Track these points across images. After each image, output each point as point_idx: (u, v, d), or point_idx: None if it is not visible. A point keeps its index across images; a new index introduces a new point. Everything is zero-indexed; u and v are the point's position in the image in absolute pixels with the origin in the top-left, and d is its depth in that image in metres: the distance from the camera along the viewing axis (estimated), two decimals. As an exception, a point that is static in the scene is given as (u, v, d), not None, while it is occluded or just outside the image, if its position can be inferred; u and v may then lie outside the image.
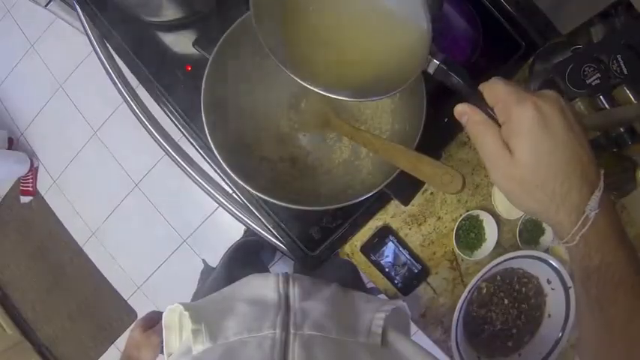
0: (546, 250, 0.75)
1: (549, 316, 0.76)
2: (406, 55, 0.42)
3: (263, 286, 0.59)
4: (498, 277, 0.75)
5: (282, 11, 0.44)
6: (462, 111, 0.39)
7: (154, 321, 0.67)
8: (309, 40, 0.44)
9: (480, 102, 0.38)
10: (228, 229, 1.80)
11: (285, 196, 0.55)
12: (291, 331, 0.47)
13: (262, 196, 0.55)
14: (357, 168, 0.63)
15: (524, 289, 0.75)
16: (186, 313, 0.50)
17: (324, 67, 0.43)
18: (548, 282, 0.75)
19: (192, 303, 0.57)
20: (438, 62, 0.41)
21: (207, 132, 0.57)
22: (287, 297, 0.56)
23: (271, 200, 0.56)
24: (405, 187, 0.56)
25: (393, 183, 0.54)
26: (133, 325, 0.67)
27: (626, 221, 0.82)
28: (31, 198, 2.00)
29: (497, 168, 0.36)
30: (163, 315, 0.56)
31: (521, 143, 0.35)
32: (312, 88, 0.40)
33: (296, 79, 0.40)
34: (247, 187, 0.56)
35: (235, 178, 0.55)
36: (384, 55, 0.43)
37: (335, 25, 0.44)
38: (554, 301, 0.75)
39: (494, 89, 0.37)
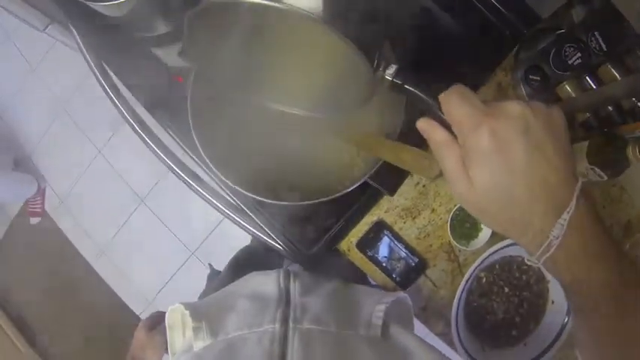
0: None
1: (553, 302, 0.75)
2: (351, 73, 0.42)
3: (264, 282, 0.59)
4: (497, 266, 0.74)
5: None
6: (422, 129, 0.37)
7: (158, 321, 0.67)
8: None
9: (439, 116, 0.36)
10: (236, 239, 1.79)
11: (272, 193, 0.56)
12: (291, 325, 0.47)
13: (250, 194, 0.56)
14: (342, 161, 0.64)
15: (524, 276, 0.74)
16: (187, 312, 0.50)
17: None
18: (549, 268, 0.74)
19: (193, 302, 0.57)
20: (390, 78, 0.39)
21: (192, 130, 0.58)
22: (288, 292, 0.56)
23: (259, 198, 0.57)
24: (390, 177, 0.56)
25: (379, 174, 0.54)
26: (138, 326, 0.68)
27: (627, 203, 0.81)
28: (39, 219, 2.04)
29: (456, 190, 0.34)
30: (166, 315, 0.57)
31: (477, 173, 0.32)
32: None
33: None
34: (234, 186, 0.57)
35: (221, 176, 0.57)
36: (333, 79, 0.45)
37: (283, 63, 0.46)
38: (557, 287, 0.74)
39: (450, 108, 0.34)
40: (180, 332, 0.57)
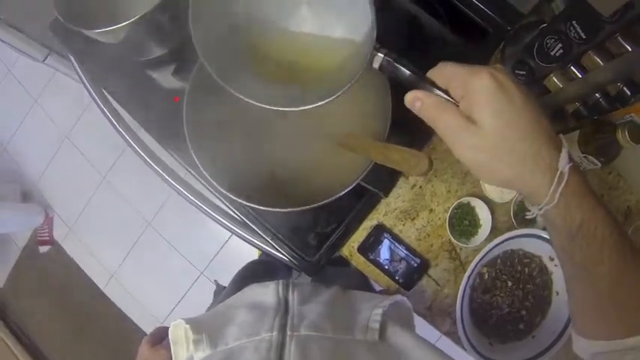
0: (544, 228, 0.74)
1: (557, 293, 0.75)
2: (353, 56, 0.44)
3: (263, 293, 0.60)
4: (498, 261, 0.74)
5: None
6: (414, 98, 0.38)
7: (161, 336, 0.68)
8: (256, 58, 0.47)
9: (430, 89, 0.38)
10: (243, 256, 1.80)
11: (271, 202, 0.57)
12: (288, 332, 0.47)
13: (249, 204, 0.58)
14: (337, 166, 0.65)
15: (527, 269, 0.74)
16: (188, 326, 0.51)
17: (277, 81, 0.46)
18: (551, 259, 0.74)
19: (194, 317, 0.58)
20: (382, 55, 0.40)
21: (190, 148, 0.60)
22: (286, 301, 0.57)
23: (258, 207, 0.58)
24: (383, 178, 0.58)
25: (372, 177, 0.55)
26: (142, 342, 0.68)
27: (625, 189, 0.81)
28: (49, 247, 2.06)
29: (461, 143, 0.36)
30: (169, 331, 0.57)
31: (485, 111, 0.35)
32: (272, 107, 0.43)
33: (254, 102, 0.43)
34: (233, 197, 0.58)
35: (222, 189, 0.58)
36: (330, 60, 0.46)
37: (280, 41, 0.47)
38: (561, 277, 0.74)
39: (445, 70, 0.38)
40: (184, 347, 0.58)
